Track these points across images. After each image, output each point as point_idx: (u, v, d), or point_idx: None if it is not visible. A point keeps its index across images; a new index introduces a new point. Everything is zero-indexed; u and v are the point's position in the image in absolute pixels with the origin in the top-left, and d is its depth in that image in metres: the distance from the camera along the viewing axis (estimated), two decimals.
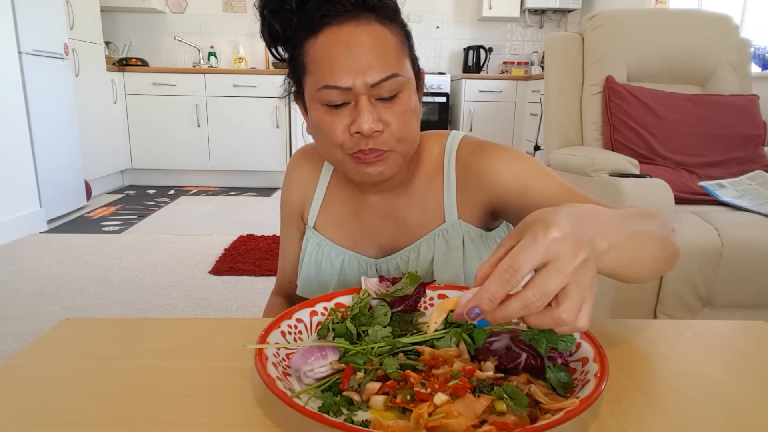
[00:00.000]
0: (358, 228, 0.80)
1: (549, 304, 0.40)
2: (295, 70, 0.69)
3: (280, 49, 0.70)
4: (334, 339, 0.52)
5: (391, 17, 0.66)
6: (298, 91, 0.72)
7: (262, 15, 0.67)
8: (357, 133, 0.64)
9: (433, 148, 0.78)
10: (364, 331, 0.54)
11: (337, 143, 0.66)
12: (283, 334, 0.53)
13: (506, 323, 0.47)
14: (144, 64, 4.65)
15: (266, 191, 4.58)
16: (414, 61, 0.70)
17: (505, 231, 0.81)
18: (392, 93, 0.64)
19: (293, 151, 4.50)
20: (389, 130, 0.65)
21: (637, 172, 1.70)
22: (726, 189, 1.76)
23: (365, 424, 0.41)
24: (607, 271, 0.48)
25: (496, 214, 0.76)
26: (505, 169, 0.71)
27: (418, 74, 0.71)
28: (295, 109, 4.30)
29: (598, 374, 0.44)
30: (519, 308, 0.39)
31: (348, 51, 0.62)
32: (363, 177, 0.68)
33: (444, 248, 0.75)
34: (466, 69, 4.94)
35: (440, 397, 0.41)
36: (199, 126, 4.51)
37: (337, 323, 0.55)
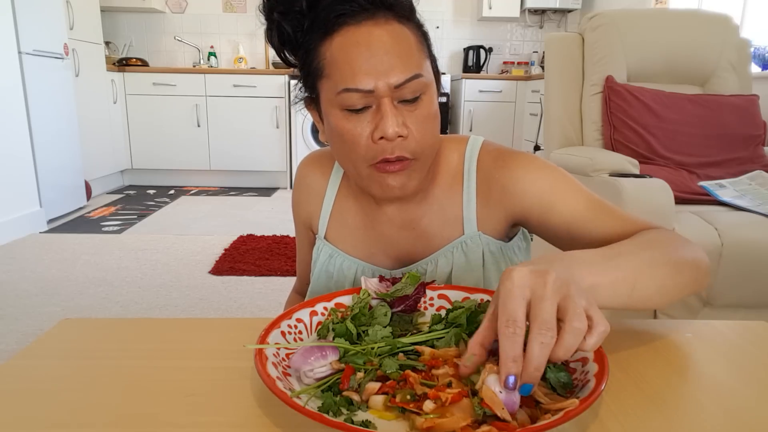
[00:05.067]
0: (373, 238, 0.76)
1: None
2: (309, 75, 0.65)
3: (287, 53, 0.67)
4: (334, 339, 0.52)
5: (408, 16, 0.63)
6: (311, 98, 0.68)
7: (269, 19, 0.64)
8: (381, 139, 0.60)
9: (451, 155, 0.74)
10: (364, 331, 0.54)
11: (360, 153, 0.62)
12: (283, 334, 0.53)
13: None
14: (144, 64, 4.65)
15: (266, 191, 4.58)
16: (433, 61, 0.67)
17: (522, 240, 0.78)
18: (415, 95, 0.61)
19: (293, 151, 4.50)
20: (413, 135, 0.62)
21: (637, 172, 1.70)
22: (726, 189, 1.76)
23: (365, 424, 0.41)
24: (606, 304, 0.49)
25: (518, 225, 0.74)
26: (529, 183, 0.68)
27: (437, 76, 0.68)
28: (296, 109, 4.28)
29: (598, 374, 0.44)
30: (538, 350, 0.39)
31: (368, 52, 0.59)
32: (385, 191, 0.65)
33: (463, 261, 0.72)
34: (466, 69, 4.94)
35: (429, 405, 0.41)
36: (199, 126, 4.51)
37: (337, 323, 0.55)
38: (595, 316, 0.42)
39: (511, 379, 0.39)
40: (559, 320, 0.41)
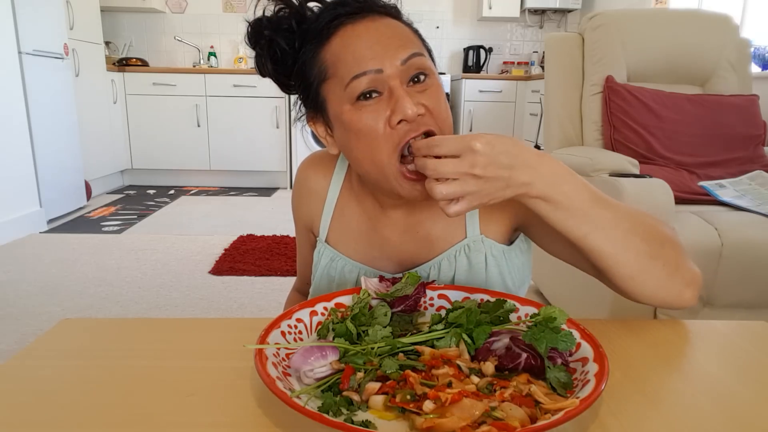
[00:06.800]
0: (376, 242, 0.76)
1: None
2: (310, 85, 0.65)
3: (283, 76, 0.68)
4: (334, 339, 0.52)
5: (397, 15, 0.66)
6: (314, 112, 0.68)
7: (258, 43, 0.66)
8: (400, 122, 0.60)
9: None
10: (364, 331, 0.54)
11: (380, 142, 0.60)
12: (283, 334, 0.53)
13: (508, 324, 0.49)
14: (144, 64, 4.65)
15: (266, 191, 4.58)
16: (431, 54, 0.68)
17: (524, 242, 0.76)
18: (421, 70, 0.62)
19: (293, 151, 4.50)
20: (429, 113, 0.62)
21: (637, 172, 1.69)
22: (726, 189, 1.76)
23: (365, 424, 0.41)
24: (535, 208, 0.56)
25: (519, 230, 0.73)
26: None
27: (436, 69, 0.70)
28: (296, 108, 4.29)
29: (598, 374, 0.44)
30: (421, 167, 0.54)
31: (370, 40, 0.60)
32: (411, 194, 0.63)
33: (466, 266, 0.72)
34: (466, 69, 4.94)
35: (429, 405, 0.41)
36: (199, 126, 4.51)
37: (337, 323, 0.55)
38: (460, 204, 0.53)
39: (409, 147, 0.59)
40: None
